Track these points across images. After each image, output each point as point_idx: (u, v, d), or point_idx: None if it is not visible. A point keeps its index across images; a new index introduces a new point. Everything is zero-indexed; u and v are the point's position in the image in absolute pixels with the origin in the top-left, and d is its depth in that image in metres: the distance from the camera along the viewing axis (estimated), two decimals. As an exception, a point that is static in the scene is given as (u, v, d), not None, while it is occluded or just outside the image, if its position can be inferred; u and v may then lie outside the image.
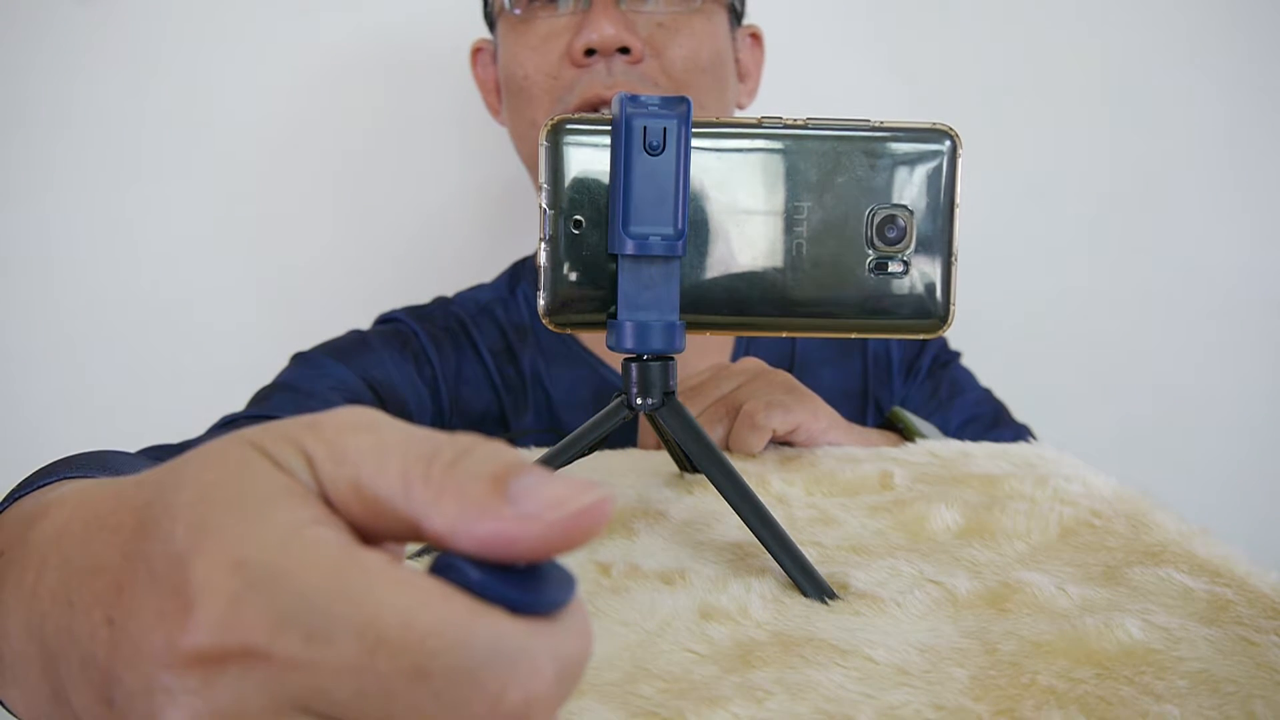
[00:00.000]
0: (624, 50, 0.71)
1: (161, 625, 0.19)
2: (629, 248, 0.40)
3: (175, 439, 0.64)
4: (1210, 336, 1.17)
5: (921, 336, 0.42)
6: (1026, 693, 0.31)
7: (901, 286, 0.42)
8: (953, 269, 0.42)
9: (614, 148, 0.40)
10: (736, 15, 0.80)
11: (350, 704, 0.19)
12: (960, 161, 0.42)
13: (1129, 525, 0.45)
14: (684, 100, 0.40)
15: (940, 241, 0.42)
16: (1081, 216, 1.15)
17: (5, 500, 0.37)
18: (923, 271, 0.42)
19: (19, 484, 0.40)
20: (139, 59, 1.00)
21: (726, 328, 0.43)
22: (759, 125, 0.42)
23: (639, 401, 0.42)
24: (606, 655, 0.34)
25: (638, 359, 0.42)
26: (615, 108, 0.40)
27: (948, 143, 0.41)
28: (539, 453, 0.48)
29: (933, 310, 0.43)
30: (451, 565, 0.20)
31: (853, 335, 0.42)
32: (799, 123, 0.42)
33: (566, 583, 0.21)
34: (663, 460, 0.57)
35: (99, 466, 0.40)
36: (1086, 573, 0.40)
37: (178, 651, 0.19)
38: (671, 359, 0.42)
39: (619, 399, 0.43)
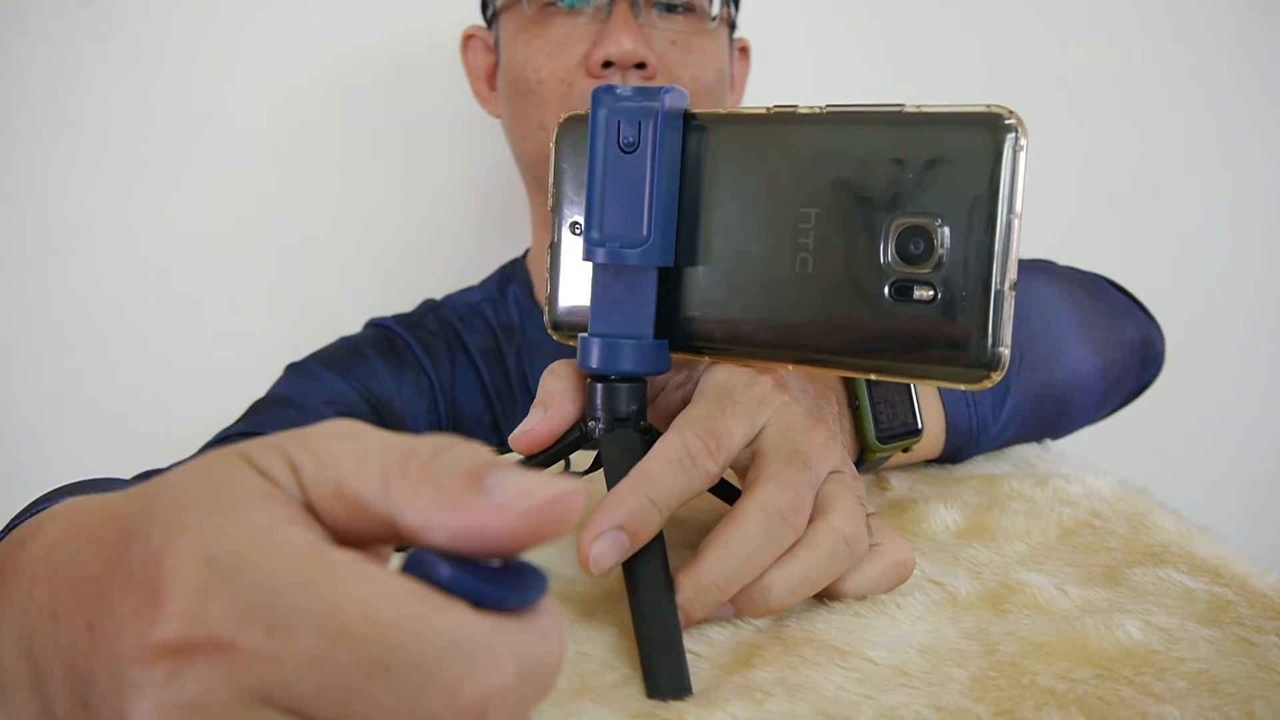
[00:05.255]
0: (639, 65, 0.71)
1: (134, 622, 0.20)
2: (599, 256, 0.36)
3: (175, 439, 0.64)
4: (1211, 337, 1.17)
5: (960, 386, 0.33)
6: (1026, 694, 0.31)
7: (930, 319, 0.33)
8: (1005, 302, 0.32)
9: (590, 145, 0.37)
10: (732, 28, 0.80)
11: (312, 696, 0.19)
12: (1023, 158, 0.31)
13: (1129, 525, 0.45)
14: (659, 90, 0.36)
15: (984, 263, 0.32)
16: (1081, 216, 1.15)
17: (4, 530, 0.38)
18: (960, 301, 0.32)
19: (17, 514, 0.41)
20: (143, 59, 1.00)
21: (720, 354, 0.37)
22: (768, 116, 0.36)
23: (589, 424, 0.38)
24: (605, 657, 0.34)
25: (605, 379, 0.38)
26: (590, 101, 0.37)
27: (1004, 133, 0.31)
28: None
29: (972, 353, 0.32)
30: (422, 561, 0.20)
31: (871, 377, 0.34)
32: (815, 112, 0.35)
33: (537, 583, 0.21)
34: None
35: (94, 491, 0.40)
36: (1086, 573, 0.40)
37: (147, 645, 0.19)
38: (642, 381, 0.38)
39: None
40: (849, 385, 0.45)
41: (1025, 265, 0.62)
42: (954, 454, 0.53)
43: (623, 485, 0.34)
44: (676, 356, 0.39)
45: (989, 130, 0.32)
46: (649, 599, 0.33)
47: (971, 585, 0.38)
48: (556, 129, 0.39)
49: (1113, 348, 0.60)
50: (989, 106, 0.32)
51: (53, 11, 0.97)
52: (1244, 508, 1.18)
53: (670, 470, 0.34)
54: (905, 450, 0.48)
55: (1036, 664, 0.32)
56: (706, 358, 0.38)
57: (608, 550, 0.33)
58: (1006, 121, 0.31)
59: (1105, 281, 0.69)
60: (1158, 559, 0.41)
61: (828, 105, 0.35)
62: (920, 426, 0.47)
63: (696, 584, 0.34)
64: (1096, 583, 0.39)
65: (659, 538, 0.34)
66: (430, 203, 1.08)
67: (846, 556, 0.35)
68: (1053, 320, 0.57)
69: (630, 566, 0.34)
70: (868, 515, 0.38)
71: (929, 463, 0.54)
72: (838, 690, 0.31)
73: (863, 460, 0.46)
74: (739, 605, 0.35)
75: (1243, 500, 1.19)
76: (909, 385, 0.46)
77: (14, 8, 0.96)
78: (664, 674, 0.31)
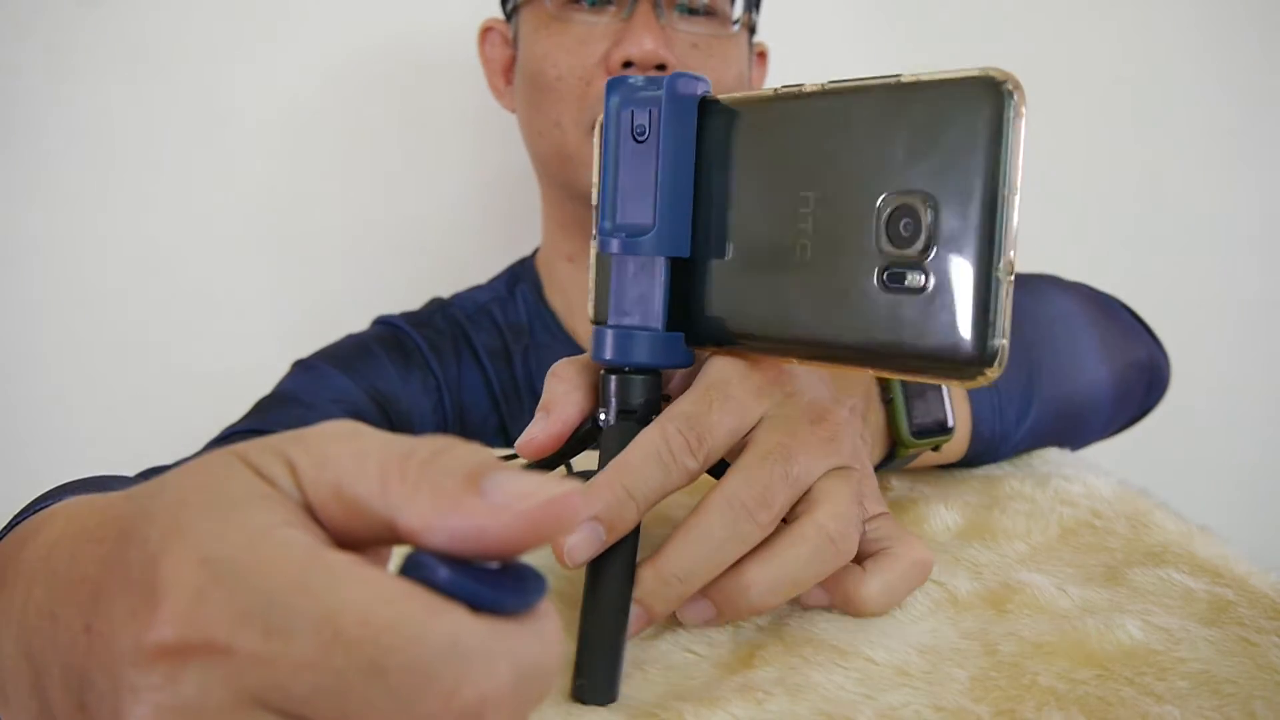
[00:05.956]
0: (660, 67, 0.70)
1: (131, 624, 0.20)
2: (612, 246, 0.36)
3: (180, 436, 0.64)
4: (1210, 336, 1.17)
5: (955, 384, 0.30)
6: (1027, 694, 0.31)
7: (922, 308, 0.30)
8: (1002, 288, 0.29)
9: (604, 135, 0.36)
10: (751, 32, 0.80)
11: (309, 699, 0.19)
12: (1022, 126, 0.28)
13: (1129, 525, 0.45)
14: (665, 78, 0.35)
15: (978, 246, 0.29)
16: (1080, 216, 1.15)
17: (6, 528, 0.38)
18: (953, 289, 0.29)
19: (20, 511, 0.41)
20: (145, 59, 1.00)
21: (732, 348, 0.36)
22: (774, 97, 0.33)
23: (601, 417, 0.37)
24: (606, 656, 0.34)
25: (619, 371, 0.37)
26: (605, 93, 0.37)
27: (1000, 98, 0.28)
28: None
29: (963, 347, 0.29)
30: (421, 563, 0.20)
31: (869, 371, 0.32)
32: (817, 89, 0.32)
33: (536, 585, 0.21)
34: None
35: (97, 489, 0.40)
36: (1087, 573, 0.40)
37: (144, 647, 0.19)
38: (656, 374, 0.37)
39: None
40: (883, 378, 0.44)
41: (1042, 277, 0.62)
42: (973, 460, 0.53)
43: (601, 477, 0.33)
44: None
45: (982, 95, 0.28)
46: (604, 596, 0.32)
47: (972, 585, 0.38)
48: (597, 126, 0.39)
49: (1124, 367, 0.60)
50: (983, 69, 0.28)
51: (53, 11, 0.97)
52: (1244, 508, 1.18)
53: (649, 464, 0.33)
54: (935, 449, 0.47)
55: (1037, 664, 0.32)
56: (723, 351, 0.37)
57: (583, 542, 0.32)
58: (1003, 85, 0.28)
59: (1116, 302, 0.69)
60: (1158, 559, 0.41)
61: (829, 81, 0.32)
62: (951, 424, 0.46)
63: (657, 576, 0.33)
64: (1097, 583, 0.39)
65: (633, 535, 0.34)
66: (439, 200, 1.08)
67: (832, 556, 0.34)
68: (1074, 334, 0.56)
69: (595, 561, 0.33)
70: (877, 515, 0.37)
71: (944, 467, 0.53)
72: (838, 690, 0.31)
73: (895, 455, 0.46)
74: (719, 605, 0.34)
75: (1243, 500, 1.19)
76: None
77: (14, 8, 0.97)
78: (594, 676, 0.31)
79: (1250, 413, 1.19)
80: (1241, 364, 1.19)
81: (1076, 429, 0.57)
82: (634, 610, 0.33)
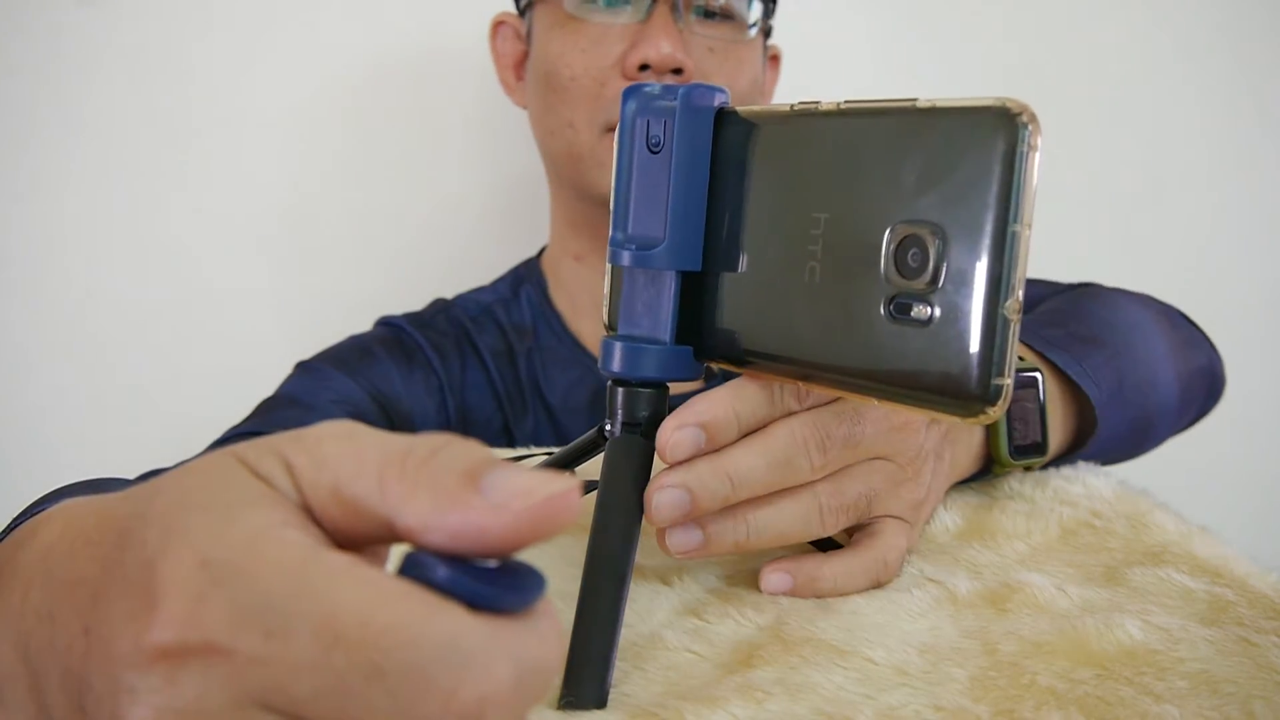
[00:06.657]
0: (676, 71, 0.70)
1: (130, 626, 0.20)
2: (624, 258, 0.36)
3: (184, 437, 0.63)
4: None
5: (953, 418, 0.29)
6: (1026, 693, 0.31)
7: (925, 342, 0.29)
8: (1009, 328, 0.28)
9: (618, 144, 0.36)
10: (766, 36, 0.80)
11: (309, 701, 0.19)
12: (1035, 159, 0.27)
13: (1129, 526, 0.45)
14: (681, 89, 0.35)
15: (984, 281, 0.28)
16: (1081, 217, 1.15)
17: (4, 531, 0.38)
18: (959, 325, 0.28)
19: (17, 514, 0.41)
20: (145, 59, 1.00)
21: (740, 363, 0.35)
22: (790, 114, 0.33)
23: (608, 428, 0.37)
24: (606, 656, 0.34)
25: (626, 384, 0.37)
26: (621, 101, 0.37)
27: (1014, 130, 0.27)
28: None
29: (965, 385, 0.28)
30: (420, 563, 0.20)
31: (873, 401, 0.31)
32: (833, 108, 0.32)
33: (535, 583, 0.21)
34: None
35: (95, 491, 0.41)
36: (1086, 573, 0.40)
37: (142, 649, 0.19)
38: (663, 387, 0.37)
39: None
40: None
41: (1111, 289, 0.64)
42: (1047, 466, 0.54)
43: (717, 393, 0.35)
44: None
45: (995, 127, 0.27)
46: (595, 611, 0.32)
47: (971, 585, 0.39)
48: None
49: (1190, 374, 0.62)
50: (999, 100, 0.27)
51: (53, 11, 0.97)
52: (1244, 508, 1.18)
53: (759, 394, 0.36)
54: (1028, 469, 0.48)
55: (1036, 664, 0.32)
56: (732, 368, 0.36)
57: (684, 442, 0.34)
58: (1018, 117, 0.27)
59: (1176, 312, 0.71)
60: (1158, 559, 0.41)
61: (845, 101, 0.32)
62: (1048, 448, 0.47)
63: (714, 469, 0.35)
64: (1096, 583, 0.39)
65: (629, 550, 0.34)
66: (445, 201, 1.07)
67: (816, 525, 0.37)
68: (1150, 345, 0.57)
69: (586, 578, 0.33)
70: (889, 517, 0.39)
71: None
72: (838, 690, 0.31)
73: (988, 471, 0.47)
74: (711, 534, 0.36)
75: (1243, 500, 1.19)
76: (1041, 403, 0.47)
77: (14, 8, 0.97)
78: (581, 690, 0.31)
79: (1251, 413, 1.19)
80: (1242, 365, 1.19)
81: (1148, 435, 0.58)
82: (676, 495, 0.35)
